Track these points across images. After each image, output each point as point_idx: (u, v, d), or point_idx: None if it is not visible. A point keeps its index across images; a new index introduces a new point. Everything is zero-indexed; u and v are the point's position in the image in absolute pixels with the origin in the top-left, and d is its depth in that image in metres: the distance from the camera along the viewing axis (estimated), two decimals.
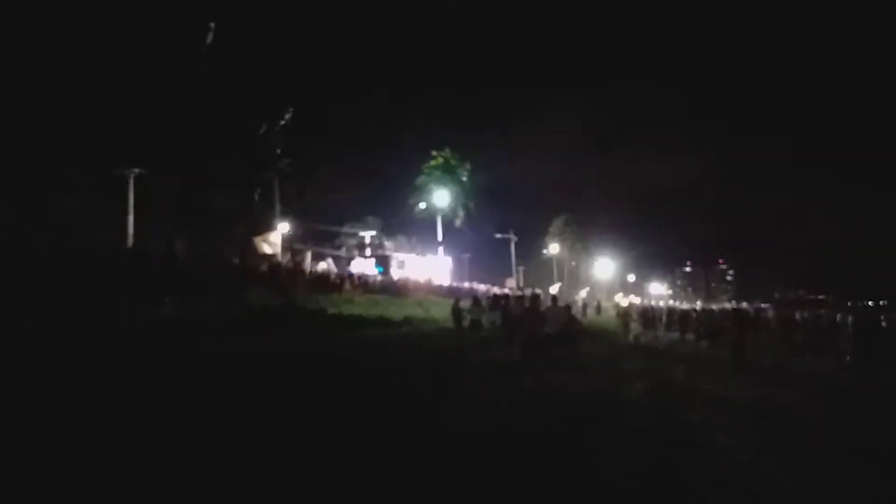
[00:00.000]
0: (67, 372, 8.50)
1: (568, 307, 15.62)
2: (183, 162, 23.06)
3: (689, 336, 25.40)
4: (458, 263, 61.33)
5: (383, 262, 47.39)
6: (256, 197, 24.48)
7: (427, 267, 47.44)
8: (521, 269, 62.79)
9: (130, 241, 29.51)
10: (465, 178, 38.53)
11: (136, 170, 31.18)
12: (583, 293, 61.82)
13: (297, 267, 29.70)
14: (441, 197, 38.53)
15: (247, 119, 23.08)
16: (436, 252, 46.27)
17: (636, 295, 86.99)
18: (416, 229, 58.04)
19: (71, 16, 21.68)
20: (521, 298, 17.07)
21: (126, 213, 31.07)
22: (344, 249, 50.48)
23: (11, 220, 21.73)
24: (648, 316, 30.45)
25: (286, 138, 24.67)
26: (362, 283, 33.92)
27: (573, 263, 74.08)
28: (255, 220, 25.78)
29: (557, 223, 70.19)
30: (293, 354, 12.23)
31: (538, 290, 45.97)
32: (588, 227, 74.53)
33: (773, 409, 8.87)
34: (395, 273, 44.82)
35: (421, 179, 38.43)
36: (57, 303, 13.95)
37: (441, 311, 28.44)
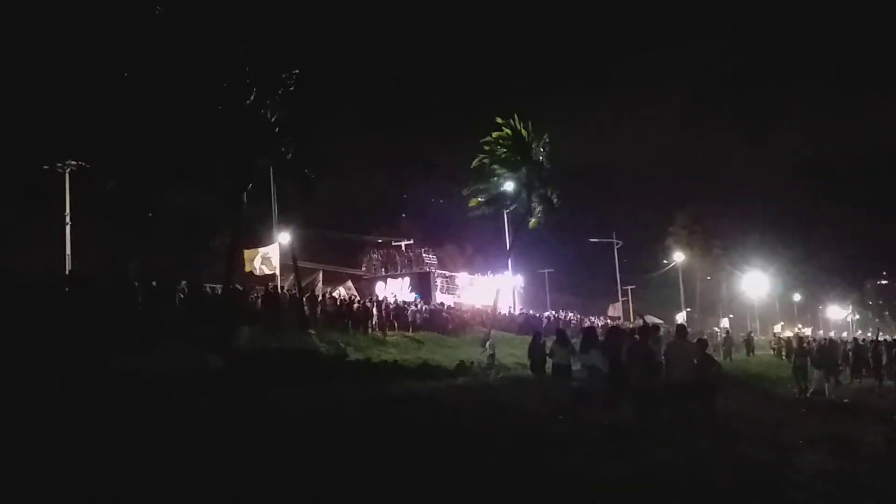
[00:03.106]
0: None
1: (702, 343, 15.47)
2: (139, 150, 23.76)
3: (891, 383, 24.78)
4: (534, 283, 61.27)
5: (423, 283, 47.59)
6: (245, 196, 24.92)
7: (488, 289, 47.49)
8: (629, 289, 62.14)
9: (68, 262, 30.68)
10: (542, 158, 38.23)
11: (74, 162, 32.41)
12: (724, 323, 60.76)
13: (303, 294, 30.23)
14: (508, 186, 38.39)
15: (231, 86, 23.68)
16: (501, 267, 46.20)
17: (804, 324, 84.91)
18: (472, 234, 58.21)
19: None
20: (630, 333, 16.96)
21: (62, 223, 32.33)
22: (364, 267, 51.02)
23: None
24: (826, 354, 29.63)
25: (287, 112, 25.14)
26: (396, 314, 34.35)
27: (708, 279, 72.80)
28: (242, 228, 26.28)
29: (681, 221, 69.08)
30: (299, 421, 12.40)
31: (656, 320, 45.11)
32: (728, 226, 73.22)
33: None
34: (442, 298, 45.01)
35: (478, 162, 38.34)
36: None
37: (512, 354, 28.35)
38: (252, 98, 24.42)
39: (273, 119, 25.17)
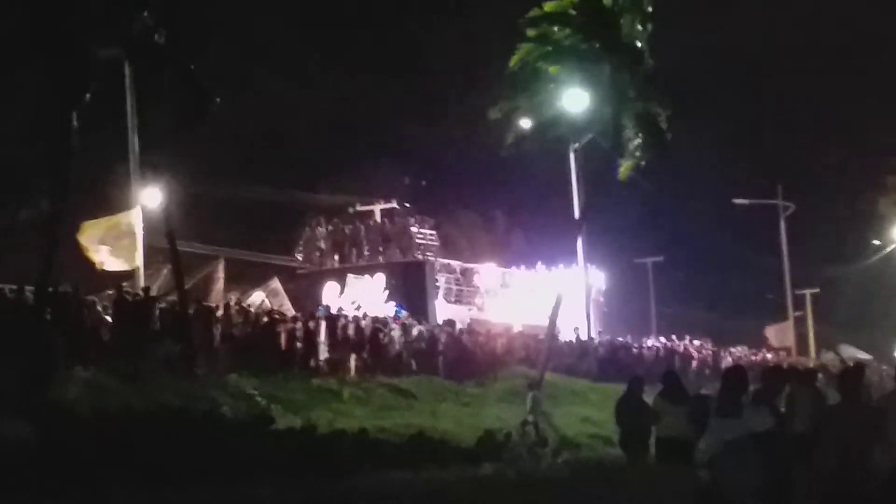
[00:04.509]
0: None
1: None
2: None
3: None
4: (627, 285, 61.33)
5: (413, 283, 47.57)
6: (75, 119, 24.97)
7: (538, 295, 48.04)
8: (806, 294, 61.95)
9: None
10: (641, 46, 37.98)
11: None
12: None
13: (187, 302, 30.35)
14: (576, 100, 38.09)
15: None
16: (564, 254, 46.31)
17: None
18: (507, 191, 58.23)
19: None
20: (807, 377, 16.86)
21: None
22: (301, 253, 50.89)
23: None
24: None
25: None
26: (359, 341, 34.57)
27: None
28: (76, 181, 26.31)
29: None
30: None
31: (858, 354, 44.33)
32: None
33: None
34: (449, 311, 45.10)
35: (519, 58, 38.04)
36: None
37: (585, 418, 28.78)
38: None
39: None
